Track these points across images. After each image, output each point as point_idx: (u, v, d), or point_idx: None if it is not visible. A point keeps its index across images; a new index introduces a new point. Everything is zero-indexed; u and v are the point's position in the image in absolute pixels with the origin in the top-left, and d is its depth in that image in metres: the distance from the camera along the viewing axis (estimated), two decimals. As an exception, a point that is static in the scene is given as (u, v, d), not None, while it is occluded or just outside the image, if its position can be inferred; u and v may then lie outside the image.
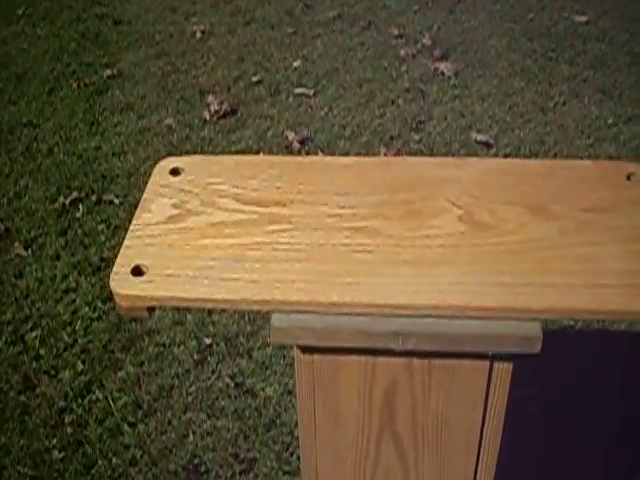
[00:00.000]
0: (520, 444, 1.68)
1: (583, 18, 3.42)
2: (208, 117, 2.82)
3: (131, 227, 1.09)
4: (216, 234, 1.05)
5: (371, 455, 1.12)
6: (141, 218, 1.10)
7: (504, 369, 1.01)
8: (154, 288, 1.00)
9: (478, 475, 1.13)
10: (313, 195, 1.10)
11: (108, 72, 3.18)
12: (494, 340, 0.95)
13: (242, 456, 1.73)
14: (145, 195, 1.15)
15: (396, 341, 0.95)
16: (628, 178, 1.12)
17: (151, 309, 1.03)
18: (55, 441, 1.80)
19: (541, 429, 1.73)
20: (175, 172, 1.18)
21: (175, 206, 1.11)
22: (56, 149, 2.75)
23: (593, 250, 1.00)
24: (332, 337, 0.96)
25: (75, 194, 2.52)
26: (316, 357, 1.02)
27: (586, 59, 3.13)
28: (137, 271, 1.02)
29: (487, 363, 1.01)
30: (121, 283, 1.01)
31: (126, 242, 1.07)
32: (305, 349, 1.02)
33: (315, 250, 1.01)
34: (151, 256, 1.04)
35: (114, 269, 1.03)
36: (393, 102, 2.87)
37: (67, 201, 2.50)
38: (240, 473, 1.70)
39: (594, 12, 3.47)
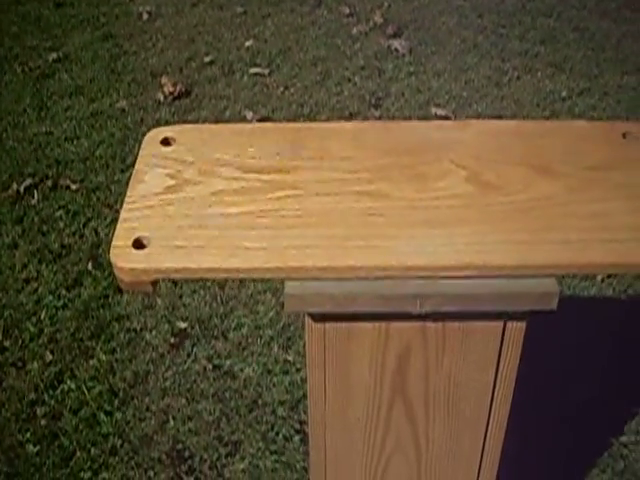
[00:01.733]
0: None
1: (530, -6, 3.47)
2: (162, 98, 2.75)
3: (126, 199, 1.05)
4: (219, 203, 1.01)
5: (381, 423, 1.10)
6: (136, 189, 1.06)
7: (517, 329, 1.01)
8: (160, 260, 0.95)
9: (487, 439, 1.13)
10: (314, 161, 1.07)
11: (54, 55, 3.07)
12: (512, 298, 0.94)
13: (226, 439, 1.70)
14: (137, 166, 1.10)
15: (414, 304, 0.94)
16: (624, 136, 1.13)
17: (155, 282, 0.99)
18: (29, 435, 1.73)
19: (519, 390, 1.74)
20: (166, 142, 1.13)
21: (171, 176, 1.07)
22: (4, 135, 2.64)
23: (602, 206, 1.00)
24: (350, 303, 0.94)
25: (29, 180, 2.43)
26: (328, 325, 1.00)
27: (536, 34, 3.17)
28: (138, 244, 0.97)
29: (501, 324, 1.00)
30: (123, 257, 0.96)
31: (123, 214, 1.02)
32: (317, 317, 0.99)
33: (325, 215, 0.98)
34: (152, 228, 0.99)
35: (113, 243, 0.98)
36: (349, 80, 2.85)
37: (21, 188, 2.40)
38: (226, 456, 1.66)
39: (540, -12, 3.51)
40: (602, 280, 2.06)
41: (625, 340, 1.88)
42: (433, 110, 2.65)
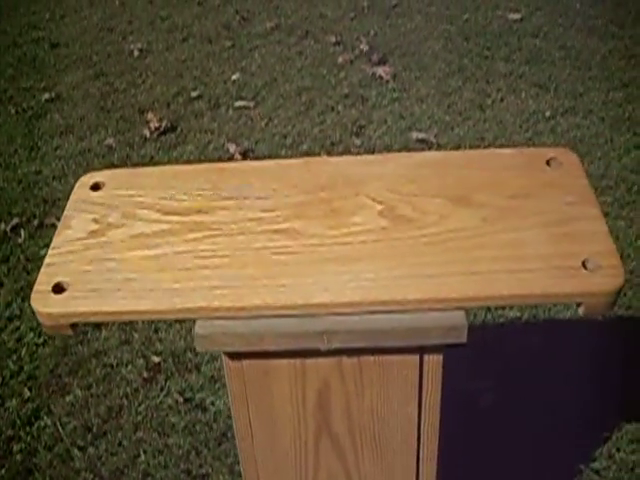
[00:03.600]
0: (472, 436, 1.69)
1: (517, 15, 3.47)
2: (148, 134, 2.80)
3: (52, 245, 1.08)
4: (137, 246, 1.04)
5: (311, 458, 1.11)
6: (62, 235, 1.09)
7: (434, 361, 1.02)
8: (76, 304, 0.98)
9: (420, 471, 1.13)
10: (234, 200, 1.09)
11: (46, 96, 3.14)
12: (420, 332, 0.95)
13: (194, 472, 1.71)
14: (66, 212, 1.13)
15: (322, 341, 0.95)
16: (548, 163, 1.13)
17: (75, 325, 1.01)
18: (4, 471, 1.76)
19: (492, 421, 1.73)
20: (96, 187, 1.17)
21: (96, 221, 1.10)
22: (-5, 176, 2.71)
23: (516, 236, 1.01)
24: (258, 342, 0.95)
25: (16, 220, 2.48)
26: (245, 363, 1.02)
27: (522, 55, 3.18)
28: (58, 288, 1.00)
29: (417, 357, 1.01)
30: (43, 302, 0.99)
31: (47, 260, 1.06)
32: (233, 355, 1.01)
33: (236, 255, 1.00)
34: (72, 272, 1.02)
35: (35, 288, 1.02)
36: (333, 108, 2.88)
37: (8, 228, 2.45)
38: (193, 489, 1.68)
39: (528, 9, 3.52)
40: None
41: (599, 365, 1.87)
42: (414, 135, 2.66)
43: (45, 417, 1.88)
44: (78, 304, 0.98)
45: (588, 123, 2.76)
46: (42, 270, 1.04)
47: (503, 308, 2.03)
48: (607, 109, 2.83)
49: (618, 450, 1.70)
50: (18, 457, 1.79)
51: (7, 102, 3.15)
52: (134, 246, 1.04)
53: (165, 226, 1.06)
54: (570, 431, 1.72)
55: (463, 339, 0.96)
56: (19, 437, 1.84)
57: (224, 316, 0.95)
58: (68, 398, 1.91)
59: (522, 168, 1.12)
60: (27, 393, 1.94)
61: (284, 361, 1.01)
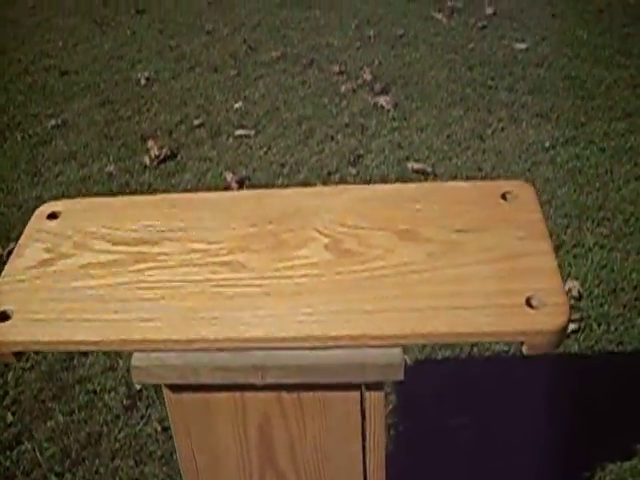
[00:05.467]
0: (446, 471, 1.67)
1: (522, 45, 3.47)
2: (148, 162, 2.83)
3: (2, 273, 1.09)
4: (84, 276, 1.04)
5: (256, 493, 1.10)
6: (14, 263, 1.10)
7: (375, 398, 1.00)
8: (17, 333, 0.99)
9: (369, 508, 1.11)
10: (182, 232, 1.09)
11: (52, 122, 3.19)
12: (355, 369, 0.94)
13: (168, 502, 1.70)
14: (20, 241, 1.14)
15: (256, 375, 0.94)
16: (503, 197, 1.12)
17: (20, 354, 1.02)
18: (-20, 498, 1.76)
19: (471, 456, 1.70)
20: (52, 216, 1.18)
21: (48, 250, 1.10)
22: (-3, 201, 2.75)
23: (460, 272, 0.99)
24: (194, 375, 0.95)
25: (13, 245, 2.51)
26: (185, 396, 1.01)
27: (525, 85, 3.17)
28: (3, 316, 1.01)
29: (357, 394, 0.99)
30: (-15, 330, 0.99)
31: (-4, 288, 1.06)
32: (173, 388, 1.00)
33: (179, 287, 1.00)
34: (17, 301, 1.03)
35: (-19, 316, 1.02)
36: (332, 138, 2.89)
37: (5, 252, 2.48)
38: (165, 520, 1.67)
39: (533, 39, 3.52)
40: (567, 336, 2.02)
41: (582, 397, 1.83)
42: (411, 165, 2.66)
43: (26, 442, 1.88)
44: (19, 333, 0.98)
45: (588, 153, 2.73)
46: (-10, 298, 1.05)
47: (489, 342, 2.00)
48: (609, 139, 2.81)
49: (600, 490, 1.66)
50: (-5, 483, 1.80)
51: (14, 128, 3.21)
52: (80, 276, 1.04)
53: (113, 257, 1.07)
54: (550, 471, 1.68)
55: (400, 377, 0.94)
56: (-1, 462, 1.84)
57: (160, 349, 0.95)
58: (50, 423, 1.92)
59: (475, 202, 1.11)
60: (10, 417, 1.95)
61: (224, 394, 1.00)
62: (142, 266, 1.04)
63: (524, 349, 0.96)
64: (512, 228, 1.06)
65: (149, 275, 1.03)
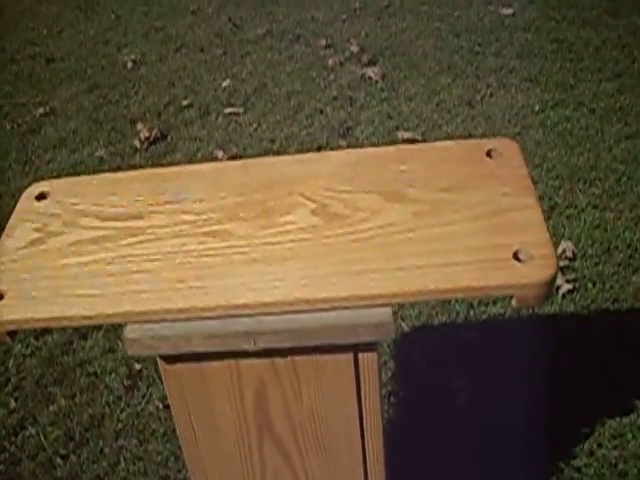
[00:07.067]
0: (447, 434, 1.68)
1: (509, 10, 3.45)
2: (138, 145, 2.82)
3: (-7, 255, 1.09)
4: (74, 253, 1.05)
5: (256, 460, 1.11)
6: (4, 245, 1.10)
7: (369, 359, 1.01)
8: (9, 312, 0.99)
9: (369, 471, 1.12)
10: (171, 204, 1.10)
11: (41, 110, 3.18)
12: (347, 330, 0.94)
13: (172, 477, 1.71)
14: (10, 222, 1.15)
15: (249, 341, 0.95)
16: (488, 154, 1.12)
17: (13, 333, 1.02)
18: (-14, 482, 1.78)
19: (468, 418, 1.72)
20: (41, 197, 1.18)
21: (37, 230, 1.11)
22: (-12, 192, 2.75)
23: (446, 230, 1.00)
24: (186, 344, 0.95)
25: (7, 234, 2.51)
26: (180, 366, 1.02)
27: (513, 50, 3.16)
28: (-5, 297, 1.01)
29: (351, 355, 1.00)
30: (-23, 311, 1.00)
31: (-14, 270, 1.07)
32: (168, 359, 1.01)
33: (166, 259, 1.01)
34: (8, 281, 1.03)
35: (-28, 298, 1.03)
36: (321, 111, 2.88)
37: (-1, 241, 2.48)
38: (171, 495, 1.68)
39: (520, 3, 3.50)
40: (563, 296, 2.03)
41: (581, 356, 1.84)
42: (401, 134, 2.66)
43: (30, 427, 1.90)
44: (11, 312, 0.99)
45: (578, 115, 2.73)
46: (-19, 280, 1.05)
47: (486, 304, 2.01)
48: (598, 100, 2.80)
49: (600, 446, 1.67)
50: (2, 467, 1.81)
51: (3, 118, 3.20)
52: (70, 253, 1.05)
53: (102, 232, 1.07)
54: (549, 428, 1.69)
55: (391, 335, 0.95)
56: (3, 447, 1.86)
57: (152, 320, 0.95)
58: (52, 408, 1.93)
59: (460, 161, 1.11)
60: (13, 404, 1.96)
61: (218, 362, 1.01)
62: (132, 240, 1.05)
63: (514, 302, 0.97)
64: (497, 184, 1.06)
65: (139, 248, 1.03)
